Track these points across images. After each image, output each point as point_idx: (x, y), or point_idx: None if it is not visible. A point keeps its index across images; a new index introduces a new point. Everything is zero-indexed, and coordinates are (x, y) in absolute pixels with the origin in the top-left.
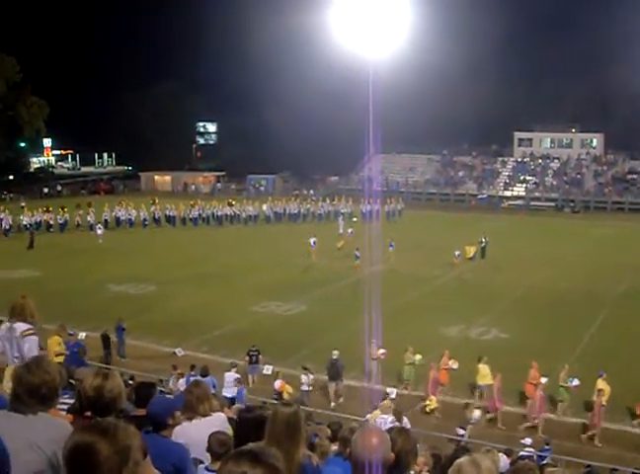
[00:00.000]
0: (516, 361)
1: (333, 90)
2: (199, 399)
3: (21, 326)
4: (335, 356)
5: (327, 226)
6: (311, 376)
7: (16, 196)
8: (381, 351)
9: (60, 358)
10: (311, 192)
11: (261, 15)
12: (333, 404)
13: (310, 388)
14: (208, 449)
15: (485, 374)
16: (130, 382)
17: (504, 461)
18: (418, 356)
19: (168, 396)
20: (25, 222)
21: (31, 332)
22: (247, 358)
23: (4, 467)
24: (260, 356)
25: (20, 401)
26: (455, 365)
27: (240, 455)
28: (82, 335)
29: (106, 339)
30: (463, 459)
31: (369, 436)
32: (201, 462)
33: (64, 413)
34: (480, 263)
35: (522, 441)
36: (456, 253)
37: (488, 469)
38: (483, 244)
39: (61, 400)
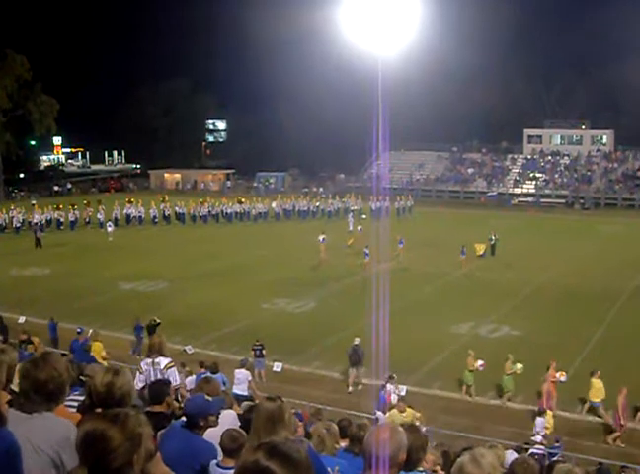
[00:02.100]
0: (528, 359)
1: (342, 87)
2: (209, 396)
3: (163, 360)
4: (356, 343)
5: (336, 224)
6: (394, 386)
7: (27, 194)
8: (480, 362)
9: (106, 363)
10: (320, 189)
11: (270, 13)
12: (350, 389)
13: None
14: (221, 445)
15: (599, 389)
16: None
17: (514, 458)
18: (519, 365)
19: (207, 397)
20: (35, 221)
21: (172, 365)
22: (251, 353)
23: (16, 461)
24: (264, 351)
25: (26, 398)
26: (564, 378)
27: (259, 446)
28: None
29: (152, 328)
30: (464, 458)
31: (382, 432)
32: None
33: (74, 410)
34: (490, 260)
35: (533, 439)
36: (462, 247)
37: (490, 465)
38: (493, 241)
39: (71, 397)
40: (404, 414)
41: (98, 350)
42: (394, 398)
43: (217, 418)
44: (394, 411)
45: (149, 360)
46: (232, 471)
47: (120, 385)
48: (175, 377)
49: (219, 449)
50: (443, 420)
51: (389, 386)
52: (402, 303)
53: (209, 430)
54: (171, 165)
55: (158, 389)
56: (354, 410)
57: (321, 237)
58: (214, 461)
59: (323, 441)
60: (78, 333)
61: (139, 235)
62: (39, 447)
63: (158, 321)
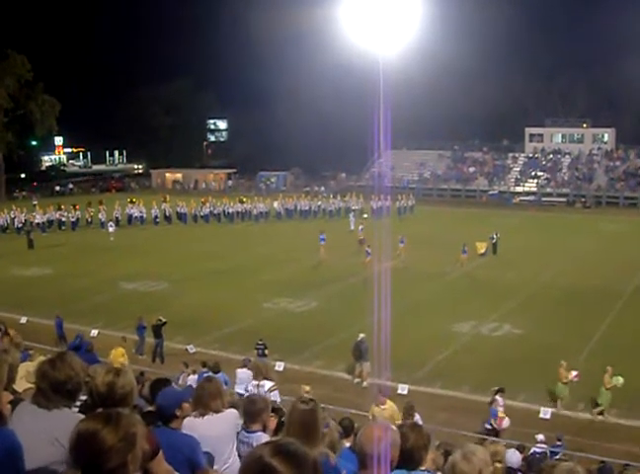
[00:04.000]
0: (530, 358)
1: (343, 86)
2: (211, 395)
3: (267, 383)
4: (360, 338)
5: (338, 223)
6: (502, 400)
7: (28, 194)
8: (574, 373)
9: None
10: (322, 188)
11: (271, 12)
12: (357, 380)
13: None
14: (243, 411)
15: None
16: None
17: (516, 457)
18: (620, 379)
19: (176, 388)
20: (37, 221)
21: (275, 387)
22: (254, 352)
23: (18, 461)
24: (266, 350)
25: (44, 396)
26: None
27: (267, 444)
28: (94, 332)
29: (157, 328)
30: (455, 455)
31: (374, 430)
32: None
33: (76, 410)
34: (491, 259)
35: (535, 437)
36: (463, 246)
37: (482, 461)
38: (494, 240)
39: None
40: (384, 406)
41: (118, 355)
42: (506, 422)
43: (190, 406)
44: (373, 405)
45: (255, 383)
46: (256, 434)
47: (122, 385)
48: (277, 399)
49: (202, 443)
50: (445, 418)
51: (499, 399)
52: (403, 302)
53: (208, 426)
54: (172, 165)
55: (162, 388)
56: (356, 409)
57: (321, 236)
58: (241, 428)
59: (334, 446)
60: (78, 339)
61: (141, 235)
62: (56, 439)
63: (164, 320)
